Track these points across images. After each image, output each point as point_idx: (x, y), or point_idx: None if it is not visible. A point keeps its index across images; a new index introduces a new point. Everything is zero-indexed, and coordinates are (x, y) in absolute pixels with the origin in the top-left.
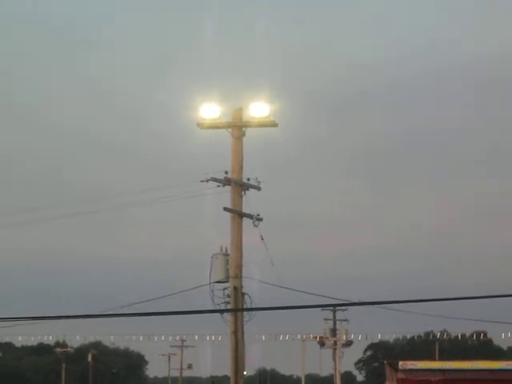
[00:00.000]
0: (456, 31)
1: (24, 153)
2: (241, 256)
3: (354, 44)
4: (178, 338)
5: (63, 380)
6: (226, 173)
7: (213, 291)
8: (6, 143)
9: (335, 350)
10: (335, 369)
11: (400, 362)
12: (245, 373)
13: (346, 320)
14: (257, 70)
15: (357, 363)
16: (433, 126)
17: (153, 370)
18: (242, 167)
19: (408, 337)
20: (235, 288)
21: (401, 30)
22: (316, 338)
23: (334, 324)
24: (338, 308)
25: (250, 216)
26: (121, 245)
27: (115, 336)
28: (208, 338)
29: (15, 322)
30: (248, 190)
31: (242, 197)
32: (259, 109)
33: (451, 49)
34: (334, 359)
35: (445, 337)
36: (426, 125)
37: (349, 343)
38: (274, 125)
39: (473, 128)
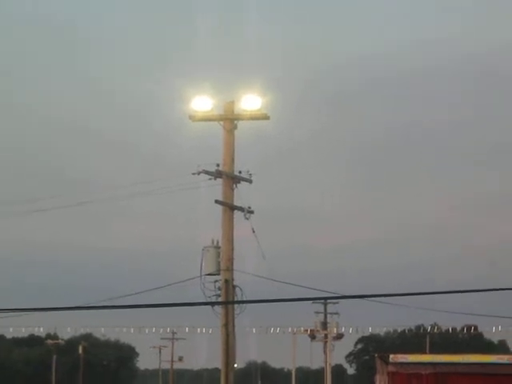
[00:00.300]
0: (456, 29)
1: (25, 151)
2: (232, 249)
3: (350, 39)
4: (168, 330)
5: (54, 372)
6: (218, 165)
7: (204, 284)
8: (7, 143)
9: (326, 343)
10: (326, 362)
11: (391, 355)
12: (235, 365)
13: (336, 313)
14: (249, 64)
15: (347, 356)
16: (432, 121)
17: (143, 362)
18: (233, 160)
19: (399, 330)
20: (226, 281)
21: (400, 28)
22: (307, 331)
23: (325, 317)
24: (328, 301)
25: (241, 209)
26: (113, 237)
27: (106, 328)
28: (199, 330)
29: (5, 314)
30: (239, 182)
31: (233, 190)
32: (251, 102)
33: (451, 46)
34: (325, 352)
35: (435, 330)
36: (426, 119)
37: (339, 336)
38: (265, 118)
39: (472, 123)
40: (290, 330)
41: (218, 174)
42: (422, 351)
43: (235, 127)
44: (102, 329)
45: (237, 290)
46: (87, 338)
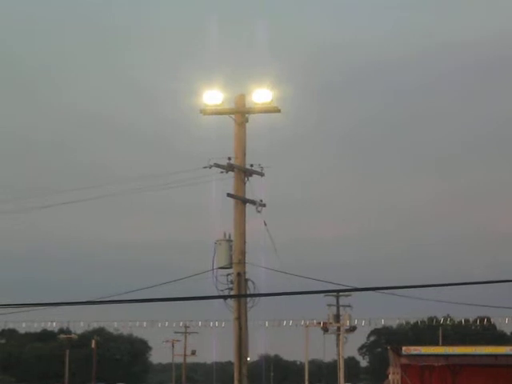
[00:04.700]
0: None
1: (38, 137)
2: (244, 242)
3: (356, 32)
4: (181, 324)
5: (67, 366)
6: (230, 159)
7: (216, 277)
8: (26, 129)
9: (339, 335)
10: (339, 354)
11: (403, 348)
12: (248, 359)
13: (349, 306)
14: (260, 57)
15: (360, 349)
16: (430, 109)
17: (156, 357)
18: (244, 153)
19: (411, 322)
20: (238, 274)
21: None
22: (319, 323)
23: (338, 310)
24: (341, 294)
25: (253, 202)
26: (124, 230)
27: (119, 322)
28: (211, 324)
29: (19, 309)
30: (251, 175)
31: (245, 183)
32: (262, 95)
33: (452, 31)
34: (338, 345)
35: (448, 322)
36: (423, 108)
37: (352, 329)
38: (276, 111)
39: (456, 117)
40: (302, 322)
41: (229, 168)
42: (435, 343)
43: (246, 120)
44: (115, 323)
45: (249, 283)
46: (100, 332)
